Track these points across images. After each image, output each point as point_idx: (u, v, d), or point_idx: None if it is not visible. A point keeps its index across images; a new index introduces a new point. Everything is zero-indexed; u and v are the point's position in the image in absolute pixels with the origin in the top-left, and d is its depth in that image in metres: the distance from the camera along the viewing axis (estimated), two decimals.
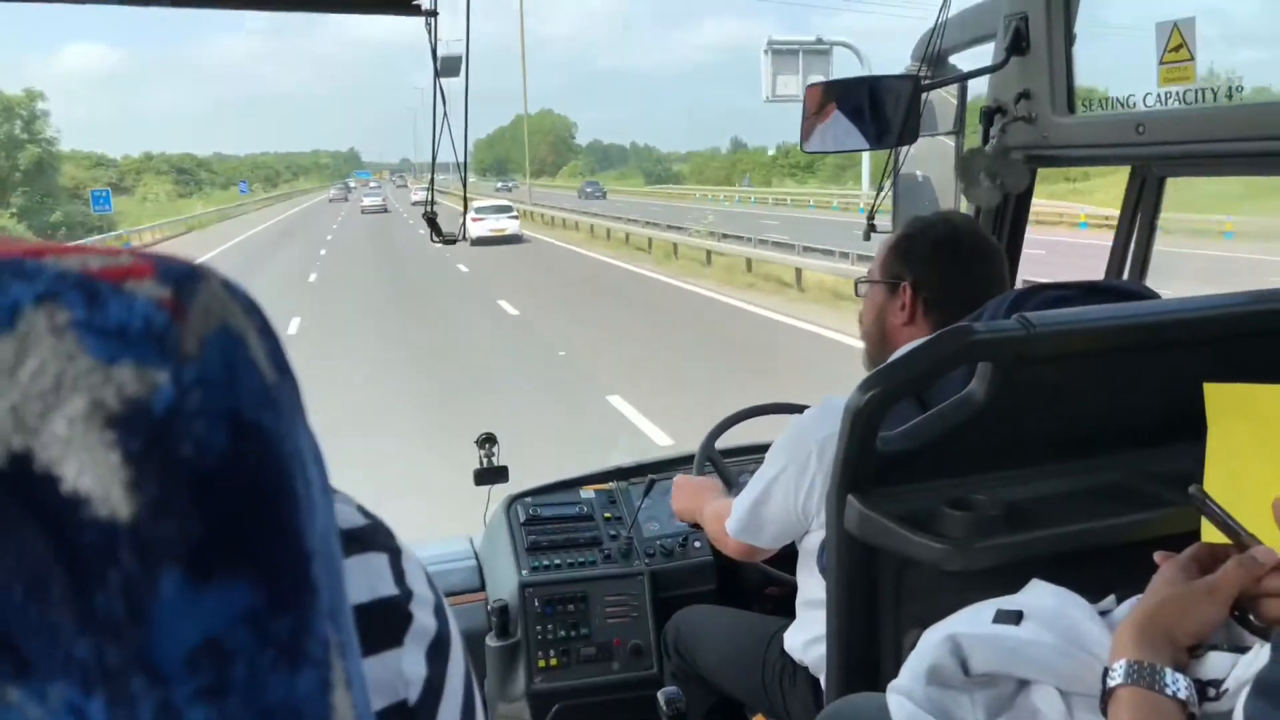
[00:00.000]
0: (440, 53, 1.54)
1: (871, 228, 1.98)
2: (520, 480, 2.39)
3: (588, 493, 2.34)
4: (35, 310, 0.23)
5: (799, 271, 15.29)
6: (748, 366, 9.64)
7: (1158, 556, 0.95)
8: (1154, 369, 1.28)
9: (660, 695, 1.80)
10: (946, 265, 1.55)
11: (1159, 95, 1.59)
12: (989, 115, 1.87)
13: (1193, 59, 1.52)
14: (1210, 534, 0.95)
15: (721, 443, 2.16)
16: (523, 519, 2.24)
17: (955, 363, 1.24)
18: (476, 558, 2.36)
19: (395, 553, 0.43)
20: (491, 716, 2.11)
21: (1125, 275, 1.92)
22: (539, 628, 2.10)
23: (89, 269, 0.24)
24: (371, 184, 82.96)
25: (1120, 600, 1.00)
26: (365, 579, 0.41)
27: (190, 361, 0.24)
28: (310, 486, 0.26)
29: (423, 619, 0.42)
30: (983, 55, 1.92)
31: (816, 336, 11.23)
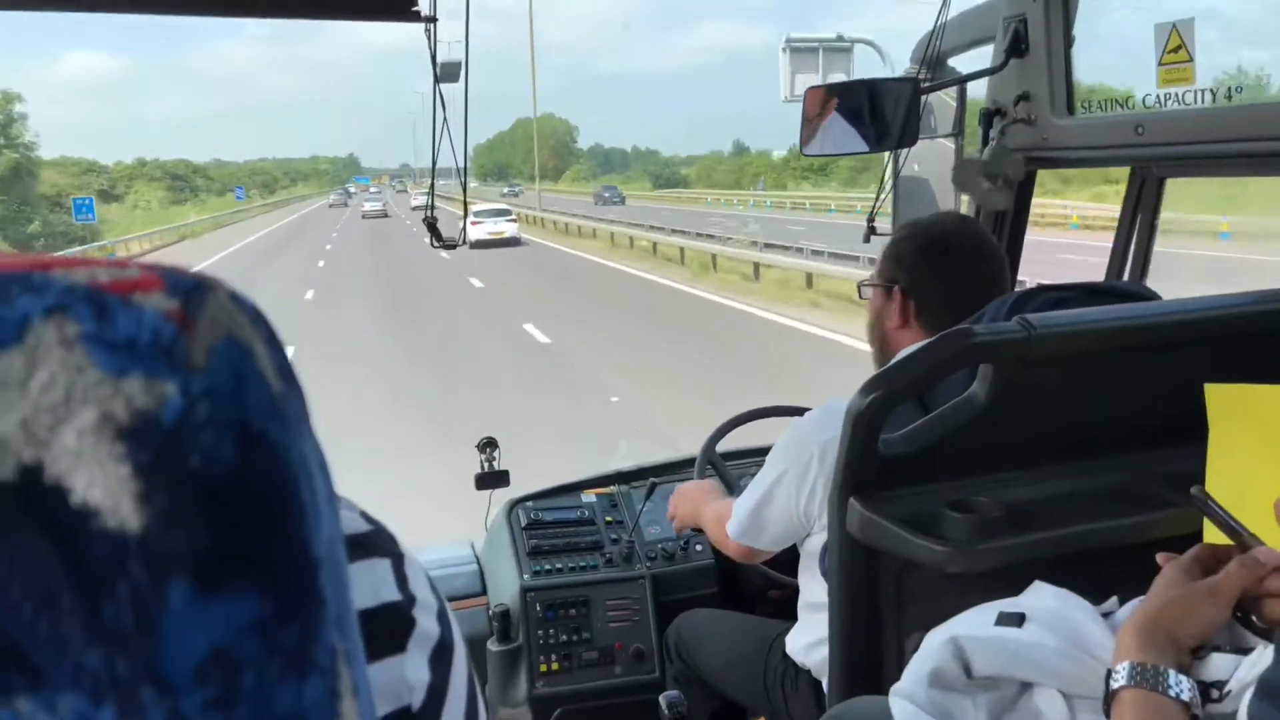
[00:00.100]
0: (440, 58, 1.55)
1: (871, 230, 1.98)
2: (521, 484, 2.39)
3: (589, 497, 2.34)
4: (45, 323, 0.24)
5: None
6: None
7: (1160, 558, 0.95)
8: (1155, 370, 1.28)
9: (662, 699, 1.80)
10: (934, 269, 1.55)
11: (1158, 96, 1.60)
12: (988, 117, 1.87)
13: (1191, 60, 1.52)
14: (1212, 535, 0.95)
15: (722, 446, 2.16)
16: (524, 523, 2.24)
17: (956, 365, 1.24)
18: (478, 562, 2.36)
19: (398, 558, 0.43)
20: None
21: (1126, 276, 1.92)
22: (540, 632, 2.10)
23: (98, 281, 0.25)
24: (372, 189, 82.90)
25: (1123, 602, 1.00)
26: (369, 585, 0.41)
27: (198, 373, 0.24)
28: (316, 495, 0.27)
29: (426, 624, 0.42)
30: (982, 57, 1.92)
31: None
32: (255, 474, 0.25)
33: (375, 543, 0.42)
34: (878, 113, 1.87)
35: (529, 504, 2.30)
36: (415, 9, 1.49)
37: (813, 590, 1.55)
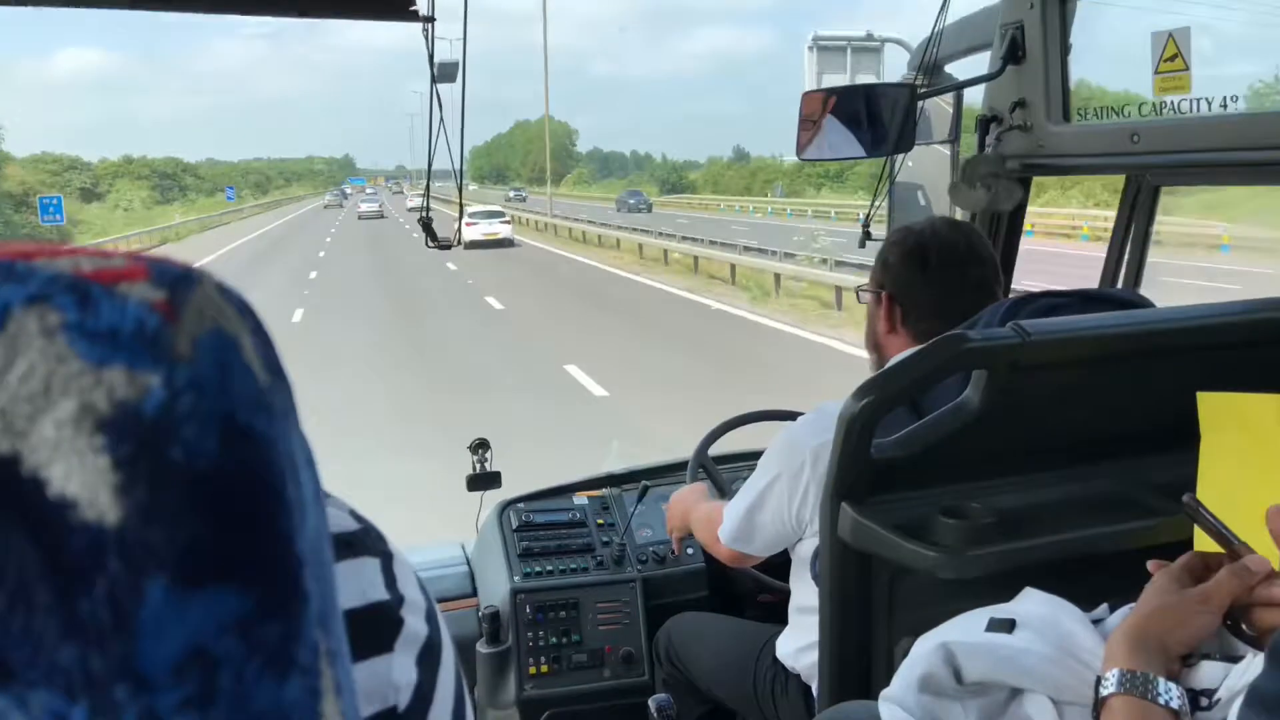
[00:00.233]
0: (437, 59, 1.55)
1: (866, 235, 1.98)
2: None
3: (580, 499, 2.33)
4: (26, 312, 0.23)
5: None
6: None
7: (1151, 565, 0.95)
8: (1148, 378, 1.28)
9: (651, 703, 1.80)
10: (916, 274, 1.55)
11: (1154, 104, 1.60)
12: (985, 123, 1.88)
13: (1187, 69, 1.53)
14: (1203, 543, 0.95)
15: (714, 450, 2.16)
16: (515, 525, 2.24)
17: (949, 370, 1.24)
18: (468, 563, 2.35)
19: (387, 557, 0.42)
20: None
21: (1120, 284, 1.92)
22: (530, 634, 2.09)
23: (82, 271, 0.24)
24: (368, 190, 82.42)
25: (1113, 609, 1.00)
26: (356, 584, 0.40)
27: (182, 364, 0.24)
28: (302, 491, 0.26)
29: (414, 624, 0.42)
30: (979, 64, 1.93)
31: None
32: (239, 468, 0.24)
33: (364, 542, 0.42)
34: (874, 118, 1.87)
35: (520, 505, 2.30)
36: (413, 8, 1.48)
37: (804, 594, 1.55)
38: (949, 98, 2.09)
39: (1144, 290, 1.82)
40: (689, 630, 1.95)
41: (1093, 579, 1.06)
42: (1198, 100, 1.52)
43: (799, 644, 1.58)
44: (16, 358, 0.23)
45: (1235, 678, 0.85)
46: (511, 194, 73.78)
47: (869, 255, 1.71)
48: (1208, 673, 0.87)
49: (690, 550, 2.20)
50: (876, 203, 2.01)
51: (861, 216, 2.01)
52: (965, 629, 1.01)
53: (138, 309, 0.24)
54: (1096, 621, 0.98)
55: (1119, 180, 1.90)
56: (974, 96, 2.01)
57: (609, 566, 2.18)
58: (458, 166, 1.64)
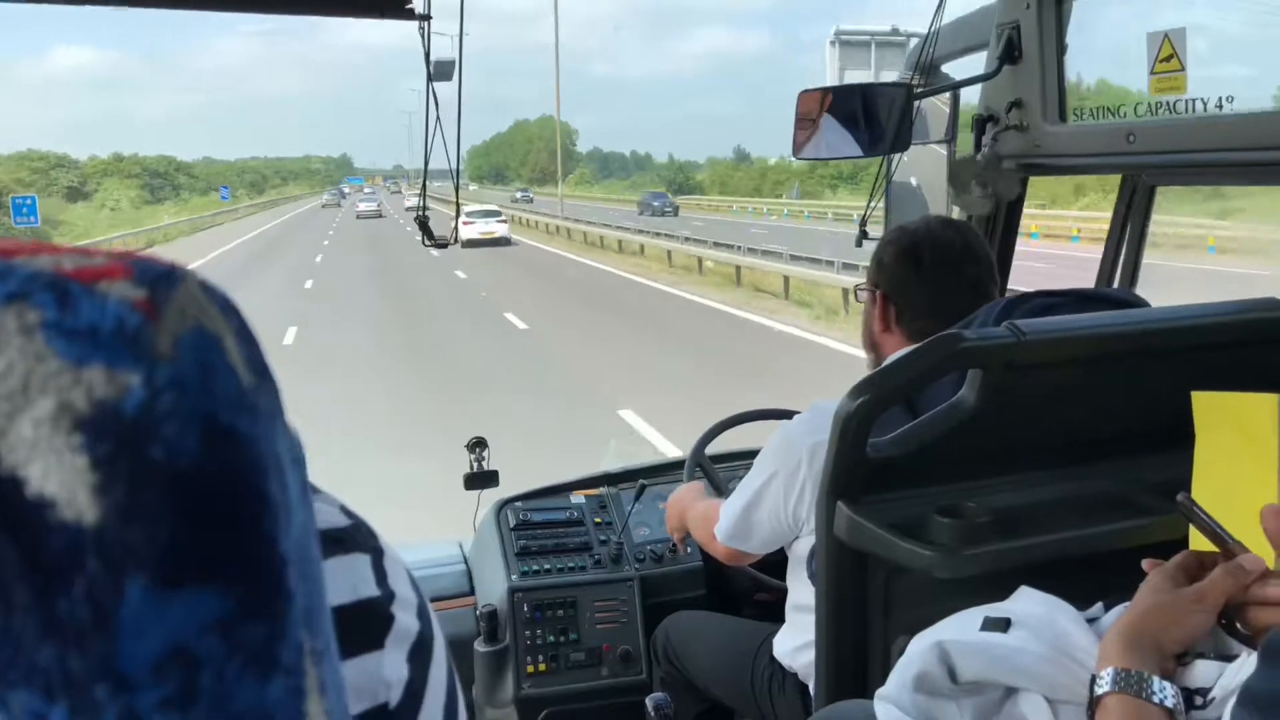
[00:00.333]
0: (434, 57, 1.54)
1: (863, 234, 1.98)
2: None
3: (578, 498, 2.33)
4: (4, 310, 0.23)
5: None
6: None
7: (1146, 564, 0.95)
8: (1143, 377, 1.28)
9: (649, 701, 1.80)
10: (910, 273, 1.55)
11: (1150, 104, 1.60)
12: (981, 123, 1.88)
13: (1183, 69, 1.53)
14: (1198, 542, 0.95)
15: (711, 448, 2.16)
16: (513, 524, 2.24)
17: (945, 369, 1.24)
18: (466, 562, 2.35)
19: (377, 553, 0.42)
20: None
21: (1116, 283, 1.93)
22: (528, 633, 2.09)
23: (62, 269, 0.24)
24: (366, 190, 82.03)
25: (1108, 608, 1.00)
26: (346, 580, 0.40)
27: (163, 363, 0.24)
28: (287, 491, 0.26)
29: (405, 620, 0.42)
30: (975, 64, 1.93)
31: None
32: (221, 468, 0.24)
33: (354, 538, 0.42)
34: (871, 117, 1.87)
35: (518, 504, 2.30)
36: (410, 6, 1.48)
37: (800, 593, 1.55)
38: (946, 97, 2.09)
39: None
40: (686, 629, 1.95)
41: (1088, 578, 1.06)
42: (1193, 100, 1.52)
43: (796, 642, 1.59)
44: None
45: (1230, 676, 0.85)
46: (519, 195, 70.31)
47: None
48: (1202, 671, 0.87)
49: (690, 549, 2.20)
50: (873, 202, 2.01)
51: (856, 217, 2.02)
52: (960, 628, 1.01)
53: (118, 307, 0.24)
54: (1091, 620, 0.99)
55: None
56: (971, 96, 2.01)
57: (606, 565, 2.18)
58: (454, 165, 1.64)
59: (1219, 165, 1.57)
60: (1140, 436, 1.28)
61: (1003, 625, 0.99)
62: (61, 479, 0.23)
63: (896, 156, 1.97)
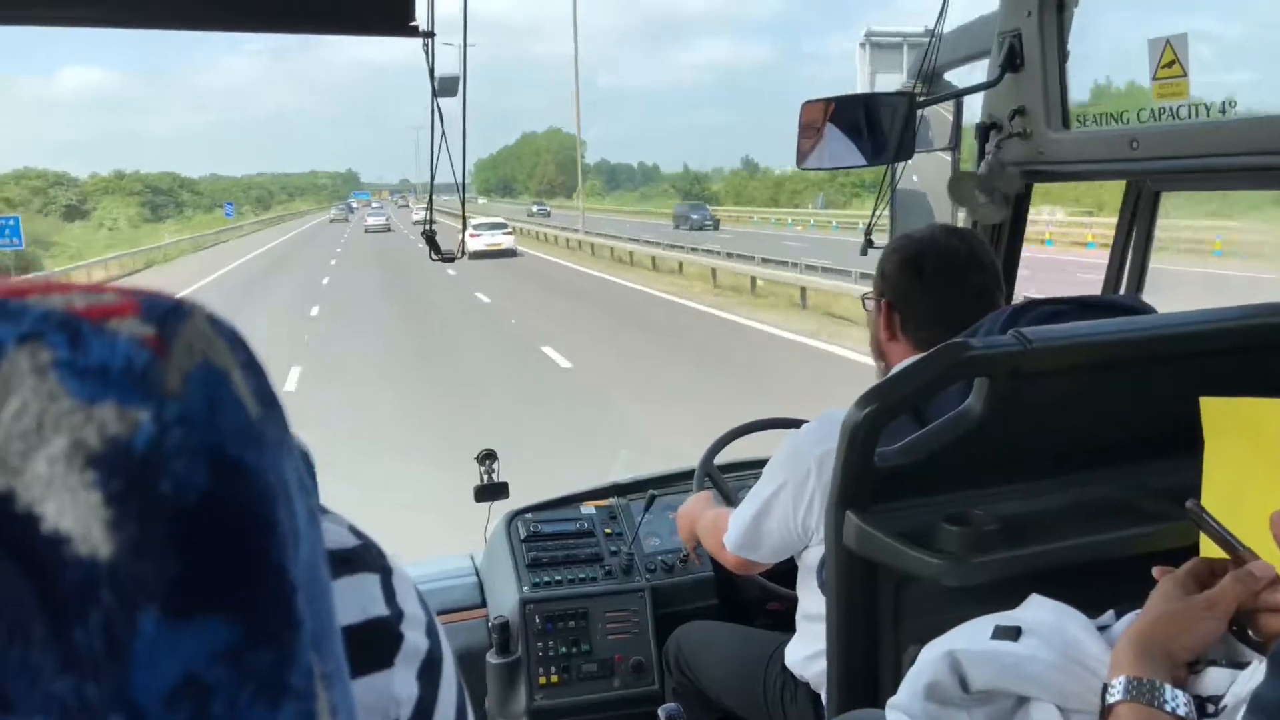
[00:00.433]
0: (439, 72, 1.55)
1: (869, 243, 1.99)
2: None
3: (588, 509, 2.33)
4: (18, 350, 0.24)
5: None
6: None
7: (1156, 571, 0.95)
8: (1151, 384, 1.28)
9: (661, 712, 1.80)
10: (913, 282, 1.55)
11: (1153, 110, 1.60)
12: (984, 131, 1.88)
13: (1185, 75, 1.53)
14: (1208, 549, 0.95)
15: (720, 458, 2.16)
16: (523, 535, 2.24)
17: (952, 378, 1.24)
18: (477, 574, 2.36)
19: (386, 572, 0.43)
20: None
21: (1122, 289, 1.92)
22: (540, 644, 2.09)
23: (73, 308, 0.25)
24: (374, 204, 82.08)
25: (1119, 616, 0.99)
26: (356, 600, 0.41)
27: (172, 399, 0.24)
28: (295, 518, 0.27)
29: (414, 639, 0.42)
30: (978, 72, 1.93)
31: None
32: (229, 500, 0.25)
33: (363, 558, 0.42)
34: (875, 126, 1.88)
35: (528, 516, 2.30)
36: (413, 24, 1.49)
37: (811, 602, 1.55)
38: (949, 105, 2.10)
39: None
40: (698, 639, 1.95)
41: (1097, 585, 1.06)
42: (1196, 105, 1.52)
43: (807, 652, 1.58)
44: (9, 396, 0.23)
45: (1241, 684, 0.85)
46: (534, 209, 66.89)
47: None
48: (1214, 679, 0.87)
49: (704, 558, 2.20)
50: (878, 211, 2.02)
51: (861, 226, 2.02)
52: (971, 637, 1.01)
53: (127, 345, 0.24)
54: (1102, 628, 0.98)
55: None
56: (974, 104, 2.01)
57: (617, 576, 2.18)
58: (460, 179, 1.65)
59: (1223, 170, 1.57)
60: (1148, 443, 1.28)
61: (1013, 634, 0.98)
62: (76, 515, 0.23)
63: (901, 165, 1.97)
